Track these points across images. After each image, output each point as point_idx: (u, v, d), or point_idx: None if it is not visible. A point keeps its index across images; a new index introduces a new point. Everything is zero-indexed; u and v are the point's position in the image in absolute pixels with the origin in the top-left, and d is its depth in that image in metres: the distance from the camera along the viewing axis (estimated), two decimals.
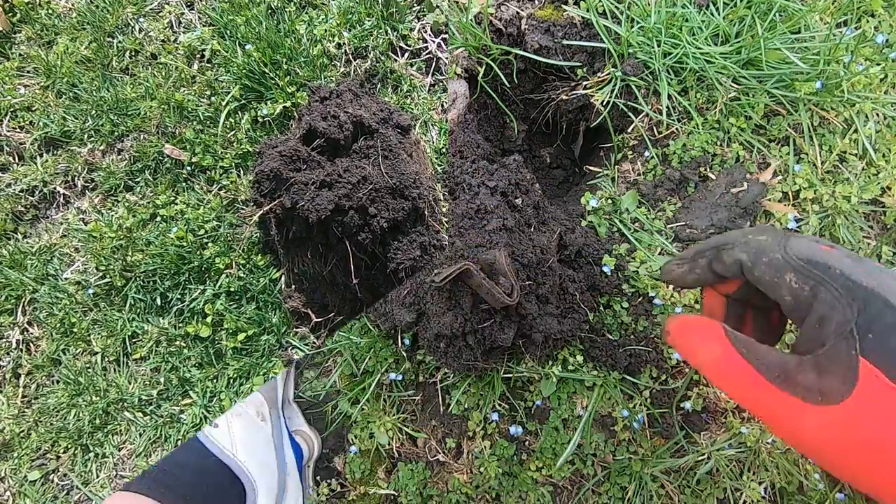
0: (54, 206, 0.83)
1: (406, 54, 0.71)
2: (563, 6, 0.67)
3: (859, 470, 0.28)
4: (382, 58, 0.69)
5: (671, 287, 0.65)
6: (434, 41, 0.69)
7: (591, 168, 0.71)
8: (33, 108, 0.84)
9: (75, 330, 0.76)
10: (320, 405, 0.72)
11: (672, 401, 0.64)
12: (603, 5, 0.65)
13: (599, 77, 0.66)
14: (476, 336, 0.55)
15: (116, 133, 0.80)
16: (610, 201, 0.68)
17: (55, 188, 0.82)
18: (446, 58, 0.68)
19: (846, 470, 0.28)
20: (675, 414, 0.64)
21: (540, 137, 0.84)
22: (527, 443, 0.66)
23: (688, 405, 0.63)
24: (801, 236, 0.34)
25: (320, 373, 0.73)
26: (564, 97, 0.70)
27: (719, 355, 0.33)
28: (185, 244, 0.73)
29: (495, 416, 0.66)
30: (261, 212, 0.58)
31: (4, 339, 0.80)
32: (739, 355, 0.32)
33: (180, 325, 0.74)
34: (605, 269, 0.65)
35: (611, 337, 0.65)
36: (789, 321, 0.38)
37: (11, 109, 0.85)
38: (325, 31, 0.70)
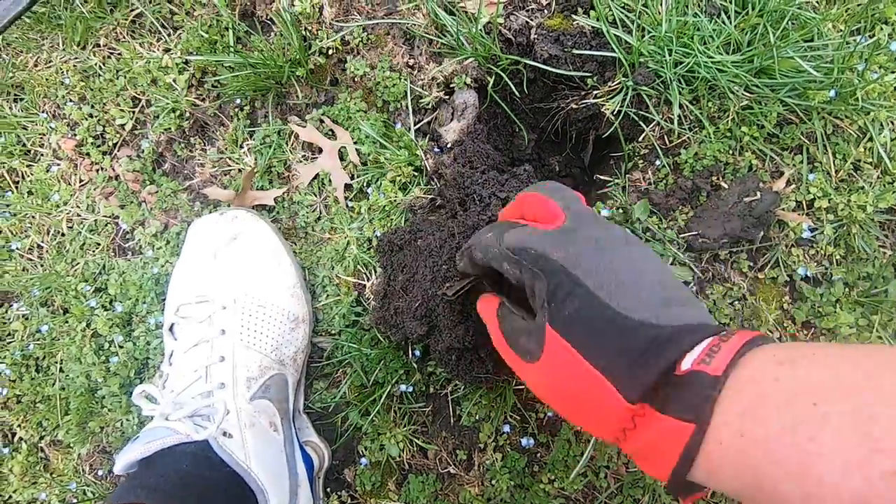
0: None
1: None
2: (573, 16, 0.67)
3: (559, 409, 0.37)
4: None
5: None
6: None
7: (602, 177, 0.71)
8: None
9: None
10: (330, 416, 0.72)
11: None
12: (613, 14, 0.65)
13: (610, 86, 0.66)
14: (488, 349, 0.55)
15: None
16: (621, 210, 0.67)
17: None
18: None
19: (556, 409, 0.37)
20: None
21: (549, 146, 0.83)
22: (538, 455, 0.66)
23: None
24: (517, 228, 0.40)
25: (330, 384, 0.72)
26: (574, 106, 0.70)
27: (492, 323, 0.43)
28: None
29: (507, 428, 0.65)
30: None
31: None
32: (498, 322, 0.41)
33: None
34: None
35: None
36: None
37: None
38: None
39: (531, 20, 0.68)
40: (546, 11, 0.69)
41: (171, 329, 0.70)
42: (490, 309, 0.44)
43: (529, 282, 0.37)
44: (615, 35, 0.64)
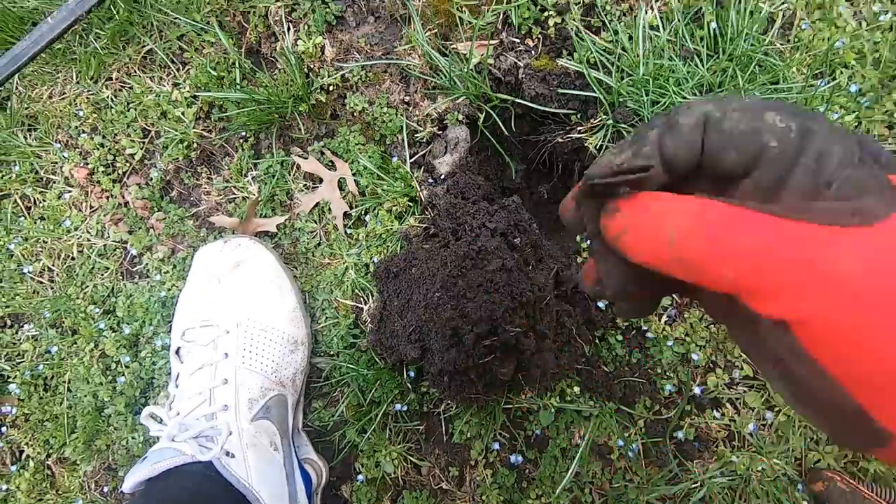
0: None
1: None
2: (558, 58, 0.72)
3: None
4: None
5: (663, 321, 0.69)
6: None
7: None
8: None
9: None
10: (328, 434, 0.75)
11: (665, 430, 0.67)
12: (595, 57, 0.70)
13: (592, 123, 0.71)
14: (478, 371, 0.59)
15: None
16: None
17: None
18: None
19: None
20: (668, 443, 0.67)
21: (538, 175, 0.88)
22: (527, 471, 0.69)
23: (680, 434, 0.66)
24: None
25: (328, 403, 0.76)
26: (560, 140, 0.75)
27: (698, 209, 0.22)
28: None
29: (496, 446, 0.68)
30: None
31: None
32: (726, 204, 0.22)
33: None
34: (599, 303, 0.69)
35: (606, 369, 0.69)
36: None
37: None
38: None
39: (519, 61, 0.73)
40: (533, 53, 0.74)
41: (177, 352, 0.73)
42: (672, 198, 0.23)
43: (819, 138, 0.22)
44: (596, 77, 0.69)
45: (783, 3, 0.68)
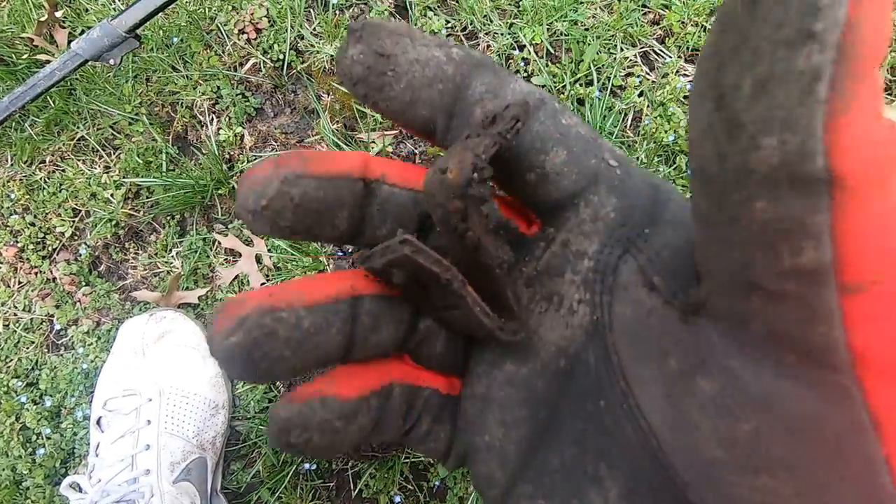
0: None
1: None
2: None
3: None
4: None
5: None
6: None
7: None
8: None
9: None
10: (244, 495, 0.79)
11: None
12: None
13: None
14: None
15: None
16: None
17: None
18: None
19: None
20: None
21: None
22: None
23: None
24: None
25: (245, 464, 0.80)
26: None
27: None
28: None
29: (398, 499, 0.74)
30: None
31: None
32: None
33: None
34: None
35: None
36: None
37: None
38: None
39: (416, 149, 0.84)
40: (427, 142, 0.85)
41: (98, 422, 0.77)
42: None
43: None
44: None
45: (631, 103, 0.82)
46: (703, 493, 0.14)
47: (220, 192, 0.84)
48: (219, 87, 0.87)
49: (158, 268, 0.87)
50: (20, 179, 0.91)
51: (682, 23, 0.82)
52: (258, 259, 0.83)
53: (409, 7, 0.85)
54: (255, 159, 0.85)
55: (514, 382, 0.18)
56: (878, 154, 0.10)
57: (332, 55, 0.84)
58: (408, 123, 0.17)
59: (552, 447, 0.17)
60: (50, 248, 0.89)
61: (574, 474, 0.16)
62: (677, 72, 0.82)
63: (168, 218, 0.87)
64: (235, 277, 0.84)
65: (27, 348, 0.86)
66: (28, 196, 0.90)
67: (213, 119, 0.87)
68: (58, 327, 0.86)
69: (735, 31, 0.11)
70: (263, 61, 0.86)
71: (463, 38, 0.85)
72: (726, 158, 0.11)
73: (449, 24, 0.84)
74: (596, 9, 0.83)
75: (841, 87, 0.10)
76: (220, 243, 0.85)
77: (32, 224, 0.90)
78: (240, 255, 0.84)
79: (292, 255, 0.81)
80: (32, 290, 0.88)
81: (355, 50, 0.16)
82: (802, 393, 0.12)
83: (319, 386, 0.16)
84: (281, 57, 0.85)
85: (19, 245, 0.89)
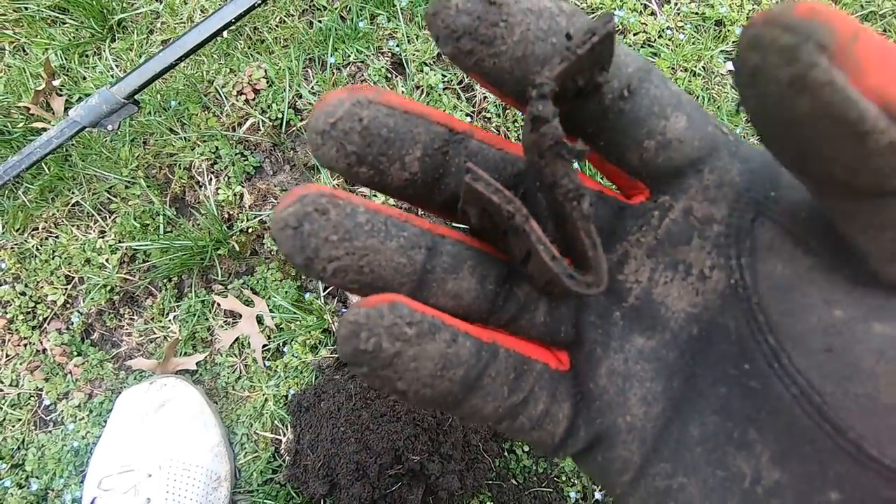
0: None
1: None
2: None
3: None
4: None
5: None
6: None
7: None
8: None
9: None
10: None
11: None
12: None
13: None
14: (386, 501, 0.61)
15: None
16: None
17: None
18: None
19: None
20: None
21: None
22: None
23: None
24: None
25: None
26: None
27: None
28: None
29: None
30: None
31: None
32: None
33: None
34: None
35: (515, 481, 0.72)
36: None
37: None
38: None
39: None
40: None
41: (92, 503, 0.72)
42: None
43: None
44: None
45: None
46: (884, 443, 0.13)
47: (219, 252, 0.83)
48: (217, 148, 0.87)
49: (155, 333, 0.83)
50: (11, 248, 0.89)
51: (672, 68, 0.85)
52: (259, 320, 0.81)
53: (405, 64, 0.86)
54: (254, 218, 0.84)
55: (646, 355, 0.17)
56: None
57: None
58: (513, 85, 0.15)
59: (691, 419, 0.16)
60: (40, 318, 0.86)
61: (718, 444, 0.15)
62: None
63: (165, 281, 0.85)
64: (236, 340, 0.81)
65: (13, 426, 0.81)
66: (19, 265, 0.88)
67: (211, 179, 0.87)
68: (47, 402, 0.82)
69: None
70: (262, 120, 0.86)
71: (460, 92, 0.86)
72: (858, 175, 0.12)
73: (445, 78, 0.86)
74: None
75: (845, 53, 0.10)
76: (219, 305, 0.82)
77: (23, 293, 0.87)
78: (240, 317, 0.82)
79: (295, 313, 0.79)
80: (21, 363, 0.84)
81: None
82: None
83: (394, 296, 0.15)
84: (279, 116, 0.86)
85: (8, 316, 0.86)
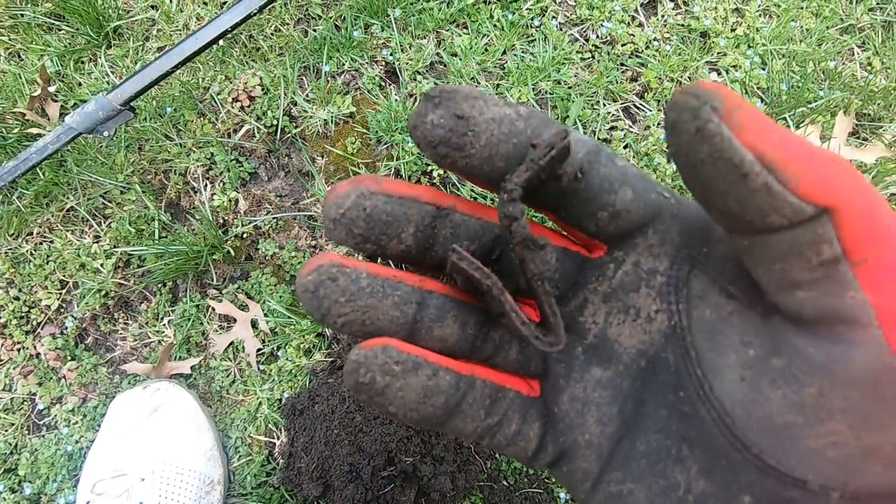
0: None
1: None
2: None
3: None
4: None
5: None
6: None
7: None
8: None
9: None
10: None
11: None
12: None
13: None
14: (379, 502, 0.62)
15: None
16: None
17: None
18: None
19: None
20: None
21: None
22: None
23: None
24: None
25: None
26: None
27: None
28: None
29: None
30: None
31: None
32: None
33: None
34: None
35: (507, 482, 0.74)
36: None
37: None
38: None
39: None
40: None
41: None
42: None
43: None
44: None
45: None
46: (778, 454, 0.16)
47: (214, 257, 0.84)
48: (213, 154, 0.88)
49: (149, 338, 0.84)
50: (5, 252, 0.89)
51: (659, 78, 0.87)
52: (254, 324, 0.82)
53: (398, 72, 0.88)
54: (249, 223, 0.85)
55: (603, 383, 0.20)
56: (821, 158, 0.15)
57: (325, 119, 0.86)
58: (484, 177, 0.18)
59: (638, 436, 0.19)
60: (34, 323, 0.86)
61: (659, 457, 0.18)
62: (658, 124, 0.86)
63: (160, 286, 0.86)
64: (230, 344, 0.82)
65: (6, 431, 0.82)
66: (13, 269, 0.88)
67: (206, 185, 0.88)
68: (40, 406, 0.82)
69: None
70: (257, 127, 0.87)
71: None
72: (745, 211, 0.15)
73: None
74: (577, 68, 0.87)
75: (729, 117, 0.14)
76: (213, 309, 0.83)
77: (17, 298, 0.87)
78: (234, 321, 0.82)
79: (289, 318, 0.80)
80: (14, 368, 0.84)
81: (435, 115, 0.17)
82: (853, 353, 0.15)
83: (387, 340, 0.18)
84: (275, 123, 0.87)
85: (2, 321, 0.86)
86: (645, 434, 0.19)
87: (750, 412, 0.17)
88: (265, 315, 0.81)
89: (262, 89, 0.88)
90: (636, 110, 0.87)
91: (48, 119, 0.93)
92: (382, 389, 0.18)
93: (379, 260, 0.20)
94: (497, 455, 0.75)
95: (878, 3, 0.93)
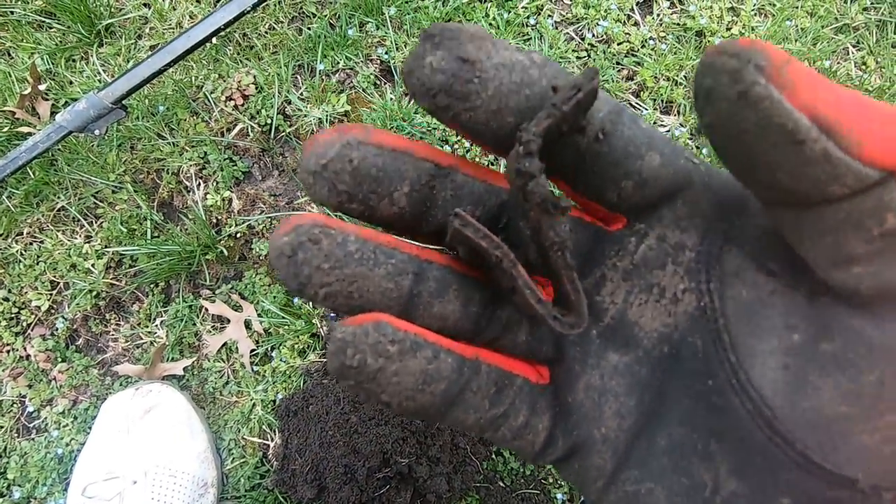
0: None
1: None
2: None
3: None
4: None
5: None
6: None
7: None
8: None
9: None
10: None
11: None
12: None
13: None
14: (374, 503, 0.62)
15: None
16: None
17: None
18: None
19: None
20: None
21: None
22: None
23: None
24: None
25: None
26: None
27: None
28: None
29: None
30: None
31: None
32: None
33: None
34: None
35: (503, 483, 0.73)
36: None
37: None
38: None
39: None
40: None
41: None
42: None
43: None
44: None
45: None
46: (826, 450, 0.14)
47: (207, 257, 0.83)
48: (206, 153, 0.87)
49: (141, 339, 0.83)
50: None
51: (655, 77, 0.87)
52: (247, 325, 0.81)
53: (394, 71, 0.87)
54: (243, 223, 0.84)
55: (620, 371, 0.18)
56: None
57: (320, 118, 0.85)
58: (490, 135, 0.16)
59: (659, 430, 0.17)
60: (24, 324, 0.85)
61: (683, 454, 0.16)
62: (654, 123, 0.86)
63: (152, 286, 0.85)
64: (224, 345, 0.81)
65: None
66: (3, 270, 0.87)
67: (199, 184, 0.87)
68: (30, 409, 0.81)
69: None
70: (251, 126, 0.87)
71: None
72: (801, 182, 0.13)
73: None
74: (573, 68, 0.87)
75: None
76: (206, 310, 0.82)
77: (6, 299, 0.86)
78: (228, 322, 0.82)
79: (283, 318, 0.79)
80: (3, 370, 0.83)
81: (435, 57, 0.14)
82: None
83: (379, 315, 0.16)
84: (269, 122, 0.86)
85: None
86: (666, 428, 0.17)
87: (794, 403, 0.15)
88: (259, 315, 0.80)
89: (256, 88, 0.88)
90: (633, 109, 0.87)
91: (39, 118, 0.92)
92: (374, 374, 0.15)
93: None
94: (493, 456, 0.74)
95: (872, 3, 0.94)
